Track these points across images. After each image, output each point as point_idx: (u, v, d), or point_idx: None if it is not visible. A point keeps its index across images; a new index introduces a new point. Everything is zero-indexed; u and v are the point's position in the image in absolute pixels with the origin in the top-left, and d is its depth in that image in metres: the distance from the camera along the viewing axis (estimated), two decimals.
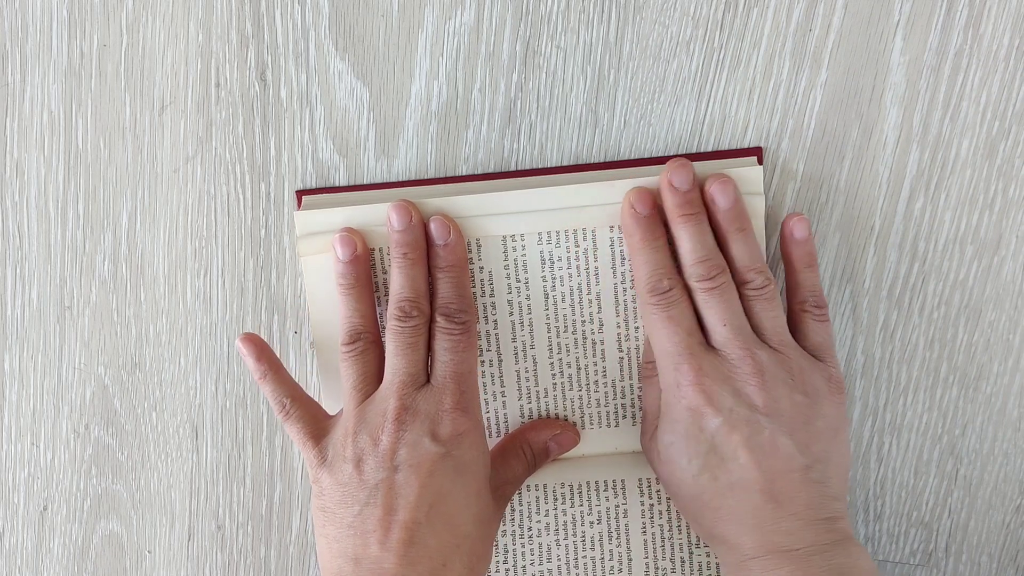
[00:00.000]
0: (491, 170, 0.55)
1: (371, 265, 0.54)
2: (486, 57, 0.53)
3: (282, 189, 0.55)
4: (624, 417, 0.56)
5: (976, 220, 0.55)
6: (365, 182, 0.55)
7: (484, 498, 0.50)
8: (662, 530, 0.55)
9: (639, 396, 0.56)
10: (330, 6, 0.52)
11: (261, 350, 0.52)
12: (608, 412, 0.56)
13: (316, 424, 0.51)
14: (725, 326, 0.49)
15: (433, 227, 0.52)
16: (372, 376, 0.51)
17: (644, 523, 0.55)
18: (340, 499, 0.48)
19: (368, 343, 0.51)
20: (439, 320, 0.51)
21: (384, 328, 0.54)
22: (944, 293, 0.56)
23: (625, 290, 0.54)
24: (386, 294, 0.54)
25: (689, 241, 0.50)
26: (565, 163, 0.54)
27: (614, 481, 0.56)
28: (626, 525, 0.55)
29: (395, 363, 0.50)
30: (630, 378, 0.56)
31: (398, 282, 0.51)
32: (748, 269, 0.50)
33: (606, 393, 0.56)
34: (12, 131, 0.54)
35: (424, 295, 0.51)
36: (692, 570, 0.54)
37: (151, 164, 0.54)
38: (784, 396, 0.49)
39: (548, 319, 0.54)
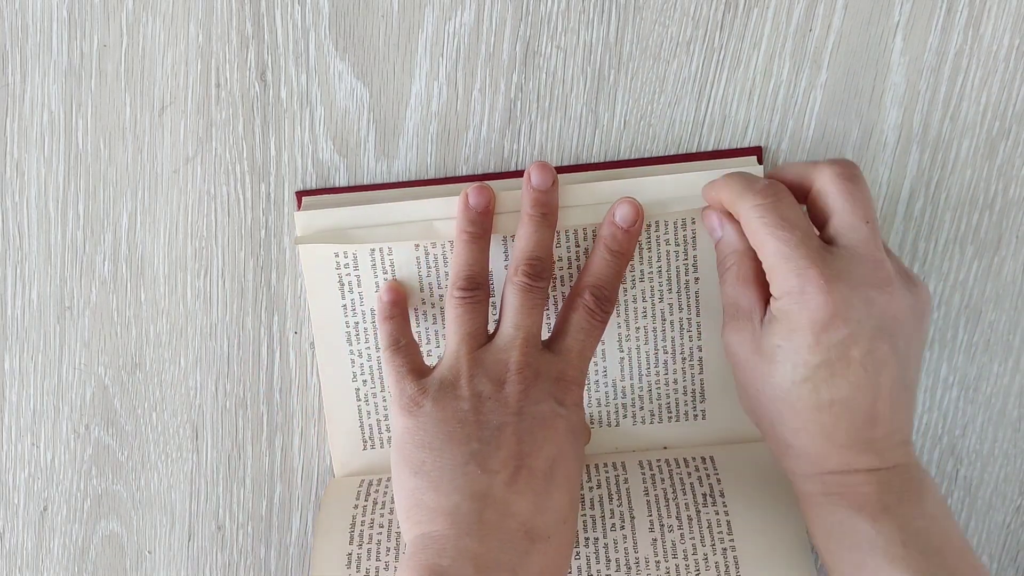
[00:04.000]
0: (491, 170, 0.55)
1: (372, 265, 0.54)
2: (486, 57, 0.53)
3: (282, 189, 0.55)
4: (625, 417, 0.56)
5: (976, 220, 0.55)
6: (365, 182, 0.55)
7: (583, 469, 0.49)
8: (665, 493, 0.54)
9: (639, 395, 0.56)
10: (330, 6, 0.52)
11: (400, 295, 0.53)
12: (608, 412, 0.56)
13: (420, 366, 0.50)
14: (867, 223, 0.47)
15: (621, 208, 0.52)
16: (483, 329, 0.50)
17: (646, 487, 0.54)
18: (449, 435, 0.47)
19: (484, 296, 0.51)
20: (586, 296, 0.50)
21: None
22: (944, 293, 0.56)
23: (625, 290, 0.54)
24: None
25: None
26: (565, 163, 0.54)
27: (613, 463, 0.56)
28: (627, 490, 0.54)
29: (519, 319, 0.49)
30: (631, 378, 0.56)
31: (531, 239, 0.50)
32: None
33: (606, 393, 0.56)
34: (12, 131, 0.54)
35: (552, 261, 0.51)
36: (701, 527, 0.52)
37: (151, 164, 0.55)
38: (903, 303, 0.46)
39: (548, 320, 0.54)
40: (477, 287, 0.50)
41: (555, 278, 0.54)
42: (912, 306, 0.47)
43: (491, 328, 0.51)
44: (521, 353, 0.48)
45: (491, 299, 0.54)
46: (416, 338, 0.55)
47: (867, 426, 0.46)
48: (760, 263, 0.48)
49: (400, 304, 0.53)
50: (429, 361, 0.55)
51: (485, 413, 0.47)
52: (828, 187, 0.47)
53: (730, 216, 0.50)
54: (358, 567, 0.52)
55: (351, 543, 0.53)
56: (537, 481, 0.46)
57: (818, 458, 0.47)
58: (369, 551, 0.53)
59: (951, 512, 0.47)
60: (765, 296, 0.48)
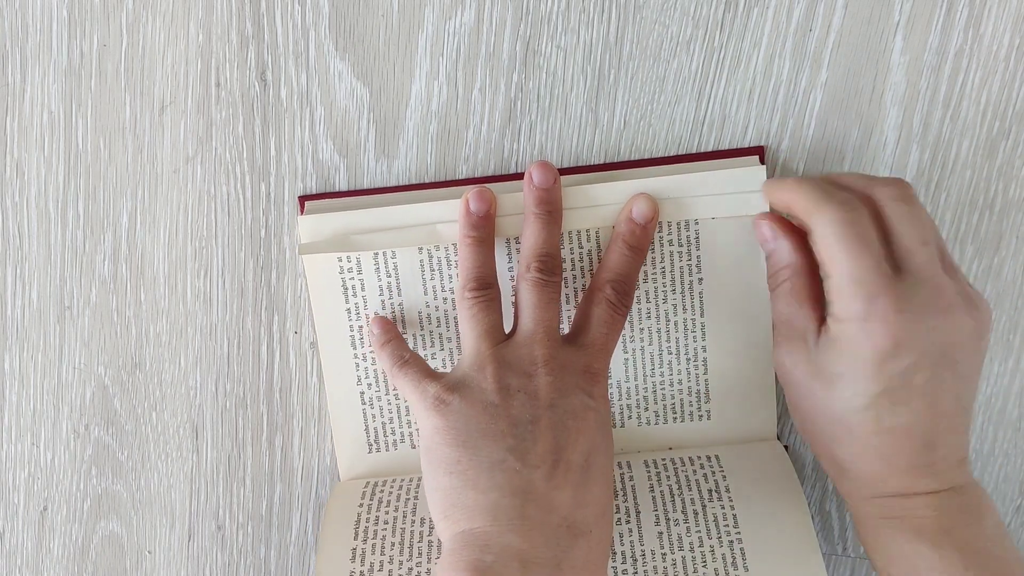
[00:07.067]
0: (491, 170, 0.55)
1: (376, 269, 0.54)
2: (486, 57, 0.53)
3: (282, 189, 0.55)
4: (630, 418, 0.56)
5: (976, 220, 0.55)
6: (365, 182, 0.55)
7: (614, 462, 0.49)
8: (671, 489, 0.54)
9: (643, 397, 0.56)
10: (330, 6, 0.52)
11: (388, 323, 0.53)
12: (613, 413, 0.56)
13: (431, 371, 0.50)
14: (927, 245, 0.46)
15: (638, 204, 0.52)
16: (500, 326, 0.50)
17: (652, 483, 0.54)
18: (482, 431, 0.46)
19: (496, 294, 0.50)
20: (608, 291, 0.50)
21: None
22: None
23: None
24: (390, 297, 0.54)
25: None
26: (565, 163, 0.54)
27: (618, 462, 0.56)
28: (633, 486, 0.54)
29: (537, 314, 0.49)
30: (635, 379, 0.56)
31: (540, 237, 0.50)
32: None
33: (611, 394, 0.56)
34: (12, 131, 0.54)
35: (560, 256, 0.51)
36: (707, 521, 0.52)
37: (151, 164, 0.54)
38: (964, 327, 0.46)
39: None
40: (488, 286, 0.50)
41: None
42: (973, 329, 0.46)
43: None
44: (544, 347, 0.48)
45: None
46: (422, 342, 0.55)
47: (926, 450, 0.46)
48: (815, 280, 0.48)
49: (392, 330, 0.53)
50: (436, 366, 0.55)
51: (516, 407, 0.47)
52: (886, 210, 0.47)
53: (784, 224, 0.50)
54: (362, 561, 0.52)
55: (355, 538, 0.53)
56: (575, 475, 0.46)
57: (876, 482, 0.47)
58: (373, 546, 0.53)
59: (1007, 531, 0.47)
60: (820, 315, 0.48)
